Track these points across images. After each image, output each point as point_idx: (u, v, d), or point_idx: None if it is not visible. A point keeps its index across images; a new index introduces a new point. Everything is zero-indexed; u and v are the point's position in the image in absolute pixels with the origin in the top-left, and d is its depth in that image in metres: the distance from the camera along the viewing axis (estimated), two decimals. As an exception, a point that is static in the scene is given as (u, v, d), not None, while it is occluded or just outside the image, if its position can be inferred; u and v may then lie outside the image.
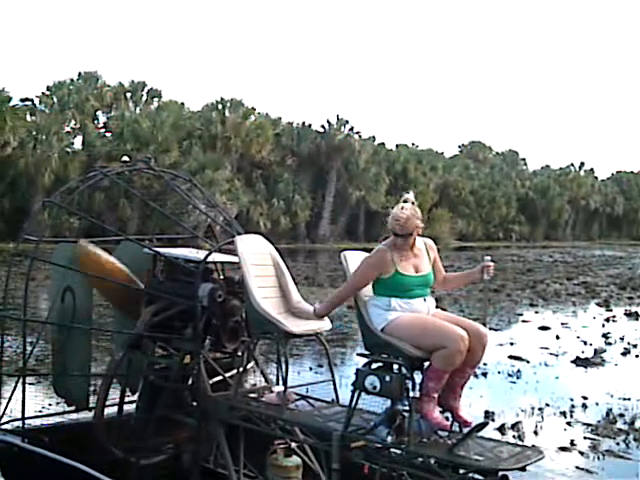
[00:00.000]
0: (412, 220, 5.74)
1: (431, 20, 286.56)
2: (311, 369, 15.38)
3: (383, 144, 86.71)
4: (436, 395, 5.59)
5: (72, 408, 8.12)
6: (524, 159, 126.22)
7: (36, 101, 68.56)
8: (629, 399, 13.96)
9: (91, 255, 7.52)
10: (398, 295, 5.73)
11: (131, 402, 7.60)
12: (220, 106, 71.28)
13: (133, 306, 7.50)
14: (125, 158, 9.31)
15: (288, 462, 6.82)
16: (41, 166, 58.90)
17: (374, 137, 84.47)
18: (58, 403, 9.82)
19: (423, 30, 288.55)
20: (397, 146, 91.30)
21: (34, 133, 60.82)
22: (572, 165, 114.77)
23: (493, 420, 11.96)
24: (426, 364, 5.63)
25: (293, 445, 6.93)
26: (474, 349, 5.56)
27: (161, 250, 7.60)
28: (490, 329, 5.53)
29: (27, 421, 7.71)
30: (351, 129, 77.98)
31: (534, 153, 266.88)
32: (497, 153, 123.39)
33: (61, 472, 7.05)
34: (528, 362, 17.39)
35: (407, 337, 5.55)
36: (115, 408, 7.51)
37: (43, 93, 69.75)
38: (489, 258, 5.94)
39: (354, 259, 6.14)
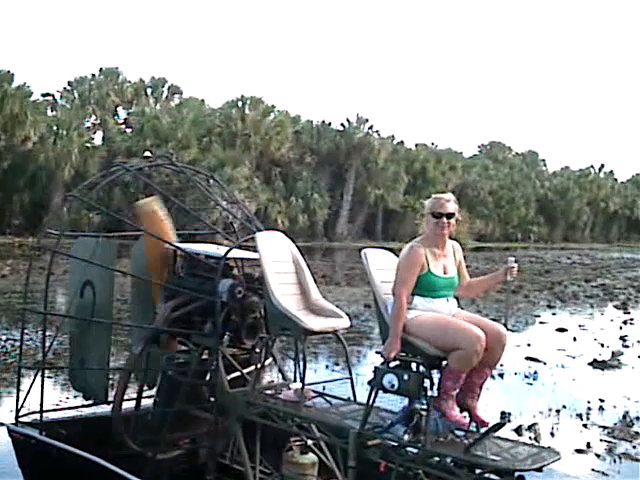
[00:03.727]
0: (453, 204, 5.76)
1: (451, 20, 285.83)
2: (327, 367, 15.38)
3: (402, 143, 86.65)
4: (454, 393, 5.60)
5: (90, 402, 8.16)
6: (544, 160, 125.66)
7: (57, 96, 69.15)
8: (646, 402, 13.90)
9: (157, 213, 7.71)
10: (423, 294, 5.71)
11: (149, 397, 7.63)
12: (240, 103, 71.40)
13: (167, 269, 7.62)
14: (147, 153, 9.34)
15: (304, 459, 6.86)
16: (61, 161, 59.21)
17: (393, 136, 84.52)
18: (76, 397, 9.89)
19: (443, 30, 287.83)
20: (416, 145, 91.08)
21: (54, 128, 61.15)
22: (592, 167, 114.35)
23: (509, 421, 11.94)
24: (444, 363, 5.63)
25: (309, 442, 6.96)
26: (493, 349, 5.54)
27: (182, 245, 7.62)
28: (508, 330, 5.47)
29: (45, 414, 7.74)
30: (370, 127, 78.04)
31: (554, 154, 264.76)
32: (517, 153, 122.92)
33: (78, 465, 7.08)
34: (545, 364, 17.34)
35: (426, 336, 5.54)
36: (133, 403, 7.56)
37: (64, 88, 70.39)
38: (513, 259, 5.88)
39: (374, 257, 6.13)
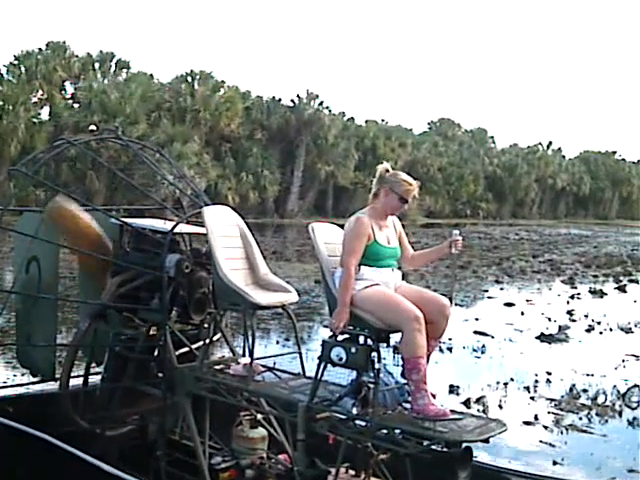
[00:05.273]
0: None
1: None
2: (278, 342, 15.35)
3: (353, 119, 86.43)
4: (425, 386, 5.47)
5: (37, 379, 8.08)
6: (492, 137, 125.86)
7: (3, 71, 67.71)
8: (592, 375, 14.13)
9: (66, 211, 7.35)
10: (369, 264, 5.72)
11: (97, 373, 7.57)
12: (189, 78, 70.57)
13: (102, 268, 7.42)
14: (92, 127, 9.20)
15: (254, 433, 6.87)
16: (7, 137, 58.20)
17: (344, 112, 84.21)
18: (23, 374, 9.78)
19: (393, 6, 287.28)
20: (366, 122, 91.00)
21: (0, 103, 60.07)
22: (540, 144, 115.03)
23: (458, 394, 12.06)
24: (392, 336, 5.64)
25: (259, 417, 6.96)
26: (437, 321, 5.56)
27: (128, 220, 7.54)
28: (456, 305, 5.50)
29: (-9, 391, 7.66)
30: (321, 104, 77.60)
31: (503, 131, 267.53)
32: (466, 130, 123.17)
33: (26, 442, 7.01)
34: (493, 337, 17.52)
35: (371, 310, 5.55)
36: (81, 379, 7.49)
37: (11, 63, 68.80)
38: (457, 232, 5.88)
39: (322, 231, 6.13)
